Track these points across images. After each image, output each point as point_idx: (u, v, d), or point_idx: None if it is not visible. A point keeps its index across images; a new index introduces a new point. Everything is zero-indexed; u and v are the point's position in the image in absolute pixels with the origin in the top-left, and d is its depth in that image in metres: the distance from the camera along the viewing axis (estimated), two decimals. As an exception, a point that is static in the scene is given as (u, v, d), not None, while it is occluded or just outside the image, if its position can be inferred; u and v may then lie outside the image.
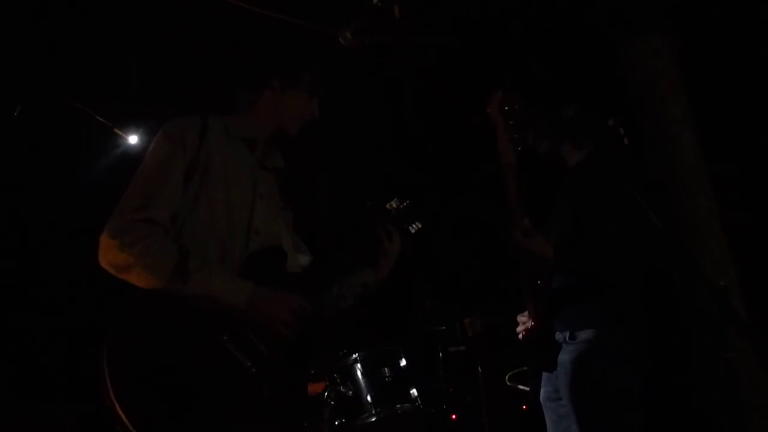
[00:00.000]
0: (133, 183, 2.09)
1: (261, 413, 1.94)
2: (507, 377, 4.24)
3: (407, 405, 3.33)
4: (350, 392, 3.27)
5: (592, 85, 2.74)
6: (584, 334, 2.36)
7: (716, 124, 4.23)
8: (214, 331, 1.95)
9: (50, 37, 4.17)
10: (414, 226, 2.43)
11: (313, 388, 3.29)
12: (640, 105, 4.18)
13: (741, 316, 2.09)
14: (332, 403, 3.23)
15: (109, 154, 4.61)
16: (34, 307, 4.58)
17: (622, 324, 2.37)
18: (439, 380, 4.60)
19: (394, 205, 2.42)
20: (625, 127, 2.44)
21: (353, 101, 4.41)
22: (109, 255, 1.99)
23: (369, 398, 3.27)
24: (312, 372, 3.33)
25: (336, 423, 3.21)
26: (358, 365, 3.36)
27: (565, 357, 2.39)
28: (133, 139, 4.61)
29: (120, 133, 4.59)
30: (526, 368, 4.01)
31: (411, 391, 3.37)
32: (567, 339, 2.40)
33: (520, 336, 2.63)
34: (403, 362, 3.45)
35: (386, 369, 3.38)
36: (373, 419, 3.22)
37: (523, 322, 2.62)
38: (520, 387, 4.17)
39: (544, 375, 2.55)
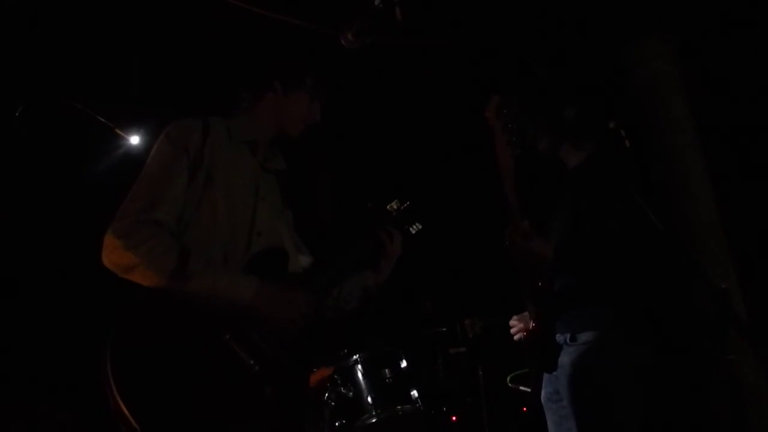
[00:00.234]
0: (137, 184, 2.10)
1: (263, 412, 1.95)
2: (508, 379, 4.24)
3: (408, 406, 3.33)
4: (351, 393, 3.27)
5: (592, 87, 2.74)
6: (585, 336, 2.36)
7: (716, 125, 4.23)
8: (217, 329, 1.96)
9: (51, 38, 4.17)
10: (414, 227, 2.43)
11: (317, 376, 3.29)
12: (641, 107, 4.19)
13: (741, 318, 2.09)
14: (333, 404, 3.23)
15: (111, 154, 4.62)
16: (35, 307, 4.58)
17: (623, 326, 2.37)
18: (440, 381, 4.60)
19: (395, 207, 2.43)
20: (625, 128, 2.45)
21: (354, 102, 4.41)
22: (113, 255, 1.99)
23: (369, 399, 3.27)
24: (314, 370, 3.33)
25: (336, 424, 3.21)
26: (359, 366, 3.36)
27: (565, 359, 2.39)
28: (134, 140, 4.62)
29: (121, 133, 4.60)
30: (527, 370, 4.01)
31: (411, 393, 3.37)
32: (567, 341, 2.40)
33: (516, 338, 2.63)
34: (404, 363, 3.45)
35: (387, 370, 3.38)
36: (374, 420, 3.22)
37: (516, 324, 2.63)
38: (522, 388, 4.18)
39: (545, 376, 2.55)
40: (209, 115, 2.27)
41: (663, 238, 2.22)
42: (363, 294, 2.39)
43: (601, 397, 2.30)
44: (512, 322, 2.66)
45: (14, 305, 4.48)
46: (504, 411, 4.60)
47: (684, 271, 3.22)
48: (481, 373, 4.56)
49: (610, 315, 2.37)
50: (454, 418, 4.48)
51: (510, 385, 4.22)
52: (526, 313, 2.56)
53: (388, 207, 2.43)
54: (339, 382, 3.29)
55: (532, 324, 2.50)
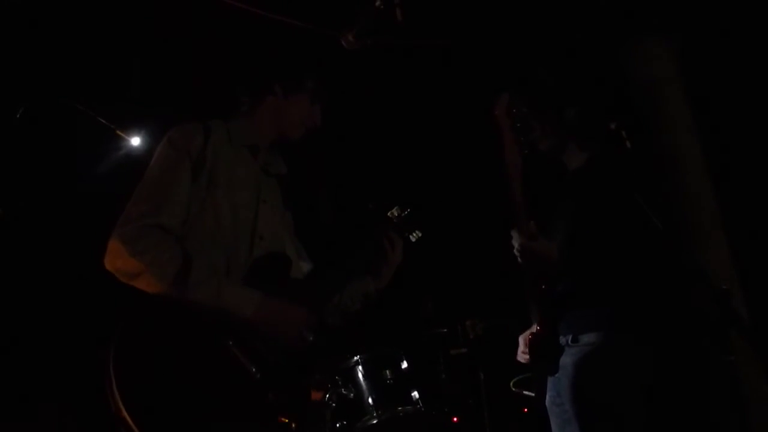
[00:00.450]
0: (140, 188, 2.10)
1: (264, 419, 1.94)
2: (512, 383, 4.24)
3: (409, 407, 3.33)
4: (352, 394, 3.27)
5: (594, 88, 2.74)
6: (587, 338, 2.36)
7: (718, 126, 4.23)
8: (220, 335, 1.96)
9: (52, 39, 4.17)
10: (414, 234, 2.42)
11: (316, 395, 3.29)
12: (642, 107, 4.18)
13: (742, 318, 2.09)
14: (333, 405, 3.22)
15: (112, 155, 4.62)
16: (36, 308, 4.58)
17: (625, 327, 2.36)
18: (441, 382, 4.59)
19: (396, 214, 2.42)
20: (626, 129, 2.45)
21: (355, 105, 4.41)
22: (118, 261, 1.98)
23: (370, 400, 3.27)
24: (317, 377, 3.33)
25: (337, 425, 3.20)
26: (360, 367, 3.36)
27: (567, 360, 2.39)
28: (135, 141, 4.61)
29: (122, 134, 4.59)
30: (530, 374, 4.01)
31: (412, 394, 3.37)
32: (569, 342, 2.40)
33: (522, 360, 2.63)
34: (405, 364, 3.45)
35: (388, 371, 3.38)
36: (375, 421, 3.22)
37: (526, 342, 2.62)
38: (525, 392, 4.18)
39: (550, 379, 2.55)
40: (210, 117, 2.26)
41: (664, 238, 2.22)
42: (364, 300, 2.38)
43: (603, 399, 2.30)
44: (521, 339, 2.66)
45: (16, 307, 4.48)
46: (505, 412, 4.59)
47: (685, 272, 3.22)
48: (482, 374, 4.56)
49: (611, 316, 2.37)
50: (455, 419, 4.47)
51: (513, 389, 4.22)
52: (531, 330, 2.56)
53: (388, 214, 2.42)
54: (340, 383, 3.29)
55: (535, 326, 2.50)
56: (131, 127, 4.59)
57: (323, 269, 2.38)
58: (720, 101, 4.25)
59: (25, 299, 4.55)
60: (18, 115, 4.08)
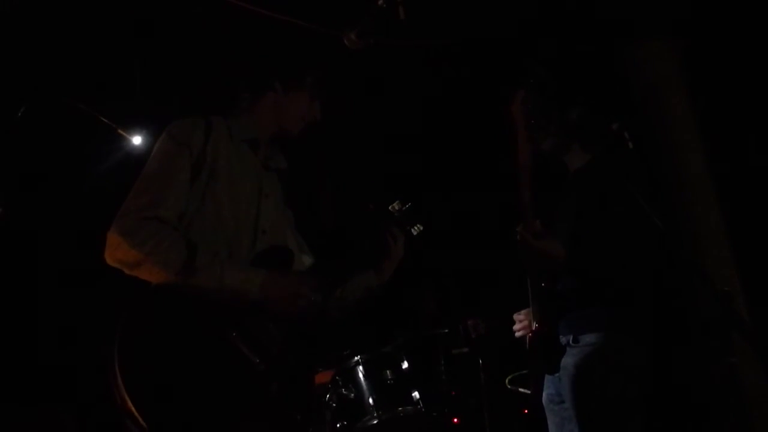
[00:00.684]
0: (139, 182, 2.10)
1: (268, 411, 1.95)
2: (507, 380, 4.23)
3: (409, 408, 3.32)
4: (352, 395, 3.27)
5: (596, 88, 2.73)
6: (588, 338, 2.36)
7: (720, 127, 4.22)
8: (223, 326, 1.95)
9: (54, 38, 4.17)
10: (416, 228, 2.42)
11: (320, 378, 3.29)
12: (644, 109, 4.18)
13: (744, 320, 2.08)
14: (334, 405, 3.22)
15: (113, 154, 4.62)
16: (37, 307, 4.59)
17: (626, 327, 2.36)
18: (442, 383, 4.59)
19: (397, 207, 2.42)
20: (629, 130, 2.44)
21: (356, 102, 4.41)
22: (118, 252, 1.99)
23: (371, 401, 3.27)
24: (319, 370, 3.33)
25: (338, 425, 3.20)
26: (360, 367, 3.36)
27: (568, 360, 2.38)
28: (136, 140, 4.63)
29: (124, 133, 4.60)
30: (526, 371, 4.00)
31: (413, 394, 3.37)
32: (570, 342, 2.39)
33: (517, 335, 2.63)
34: (405, 365, 3.45)
35: (388, 371, 3.38)
36: (375, 422, 3.22)
37: (521, 320, 2.62)
38: (521, 390, 4.16)
39: (547, 377, 2.55)
40: (210, 114, 2.27)
41: (666, 240, 2.22)
42: (365, 294, 2.38)
43: (602, 399, 2.30)
44: (516, 317, 2.65)
45: (17, 305, 4.48)
46: (506, 412, 4.58)
47: (687, 274, 3.22)
48: (483, 374, 4.55)
49: (612, 317, 2.37)
50: (455, 419, 4.47)
51: (509, 386, 4.21)
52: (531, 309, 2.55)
53: (390, 208, 2.42)
54: (340, 383, 3.28)
55: (535, 325, 2.49)
56: (132, 126, 4.60)
57: (324, 263, 2.38)
58: (723, 102, 4.24)
59: (26, 297, 4.55)
60: (19, 114, 4.08)
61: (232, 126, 2.27)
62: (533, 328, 2.49)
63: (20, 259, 4.54)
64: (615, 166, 2.45)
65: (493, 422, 4.41)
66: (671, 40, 4.24)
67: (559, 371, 2.41)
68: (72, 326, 4.52)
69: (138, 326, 1.86)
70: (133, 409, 1.75)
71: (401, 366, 3.44)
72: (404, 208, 2.42)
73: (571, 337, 2.39)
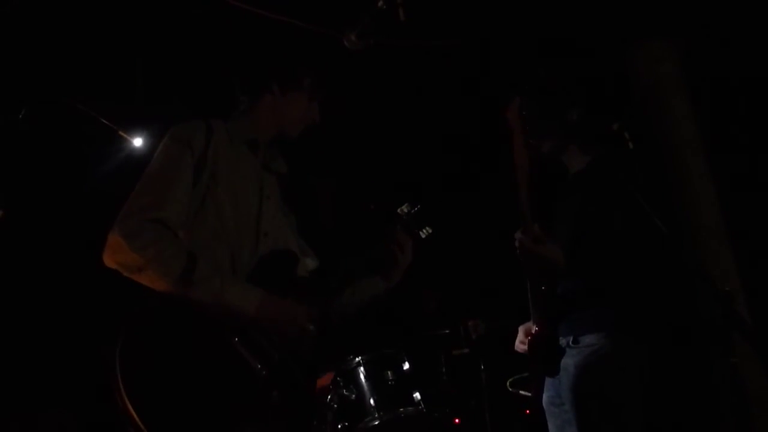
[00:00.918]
0: (141, 183, 2.09)
1: (269, 417, 1.95)
2: (508, 383, 4.23)
3: (410, 408, 3.32)
4: (353, 396, 3.27)
5: (596, 89, 2.74)
6: (587, 339, 2.36)
7: (720, 127, 4.22)
8: (225, 333, 1.96)
9: (55, 40, 4.18)
10: (424, 231, 2.39)
11: (322, 381, 3.29)
12: (644, 109, 4.18)
13: (745, 321, 2.08)
14: (335, 406, 3.22)
15: (114, 156, 4.62)
16: (39, 309, 4.59)
17: (626, 328, 2.36)
18: (443, 383, 4.59)
19: (405, 210, 2.40)
20: (629, 131, 2.44)
21: (357, 104, 4.41)
22: (119, 255, 1.98)
23: (372, 402, 3.27)
24: (321, 375, 3.32)
25: (339, 426, 3.20)
26: (362, 368, 3.35)
27: (568, 361, 2.39)
28: (137, 142, 4.63)
29: (125, 135, 4.61)
30: (526, 374, 4.00)
31: (414, 395, 3.36)
32: (570, 343, 2.39)
33: (519, 350, 2.63)
34: (406, 365, 3.44)
35: (389, 372, 3.37)
36: (376, 423, 3.21)
37: (523, 339, 2.62)
38: (522, 392, 4.16)
39: (547, 379, 2.55)
40: (211, 117, 2.27)
41: (666, 240, 2.22)
42: (372, 300, 2.37)
43: (604, 401, 2.30)
44: (521, 330, 2.66)
45: (18, 307, 4.48)
46: (507, 413, 4.58)
47: (687, 274, 3.22)
48: (484, 375, 4.55)
49: (612, 318, 2.37)
50: (456, 420, 4.47)
51: (510, 389, 4.21)
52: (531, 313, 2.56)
53: (398, 210, 2.40)
54: (341, 384, 3.28)
55: (535, 327, 2.50)
56: (133, 128, 4.61)
57: (329, 267, 2.37)
58: (723, 103, 4.24)
59: (28, 299, 4.55)
60: (20, 116, 4.09)
61: (231, 129, 2.27)
62: (533, 331, 2.49)
63: (21, 262, 4.54)
64: (615, 167, 2.45)
65: (494, 423, 4.42)
66: (671, 40, 4.24)
67: (559, 373, 2.41)
68: (73, 328, 4.52)
69: (140, 331, 1.86)
70: (134, 414, 1.75)
71: (402, 367, 3.44)
72: (413, 211, 2.40)
73: (570, 339, 2.39)
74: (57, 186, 4.66)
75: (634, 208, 2.27)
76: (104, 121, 4.45)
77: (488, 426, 4.41)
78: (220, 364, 1.90)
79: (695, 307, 3.68)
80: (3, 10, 3.87)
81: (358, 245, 2.38)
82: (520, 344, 2.65)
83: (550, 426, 2.55)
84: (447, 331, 4.70)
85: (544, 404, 2.57)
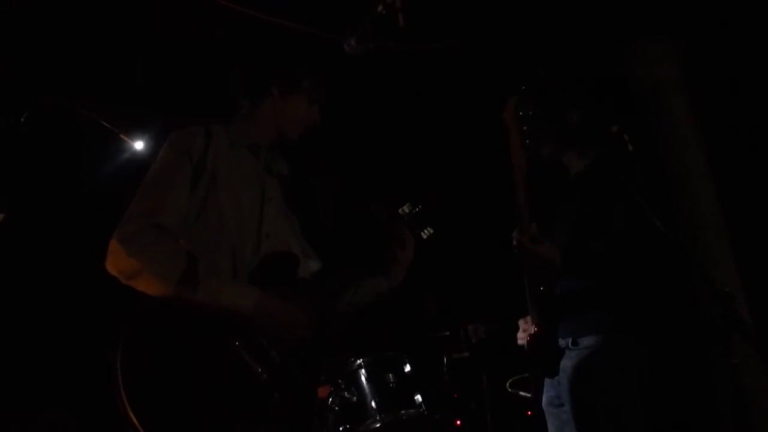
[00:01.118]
0: (140, 190, 2.11)
1: (270, 421, 1.95)
2: (508, 384, 4.23)
3: (411, 411, 3.32)
4: (354, 398, 3.26)
5: (596, 90, 2.74)
6: (587, 341, 2.36)
7: (719, 128, 4.23)
8: (226, 336, 1.96)
9: (56, 42, 4.18)
10: (426, 231, 2.39)
11: (322, 392, 3.29)
12: (645, 110, 4.19)
13: (745, 321, 2.09)
14: (336, 409, 3.22)
15: (115, 159, 4.63)
16: (39, 311, 4.59)
17: (625, 330, 2.36)
18: (444, 386, 4.59)
19: (407, 210, 2.40)
20: (629, 132, 2.45)
21: (357, 108, 4.42)
22: (116, 261, 1.98)
23: (373, 404, 3.26)
24: (322, 378, 3.32)
25: (340, 429, 3.20)
26: (363, 371, 3.35)
27: (567, 363, 2.39)
28: (138, 145, 4.64)
29: (126, 138, 4.62)
30: (527, 375, 4.00)
31: (415, 397, 3.36)
32: (569, 345, 2.40)
33: (520, 342, 2.63)
34: (408, 368, 3.44)
35: (390, 375, 3.37)
36: (378, 425, 3.21)
37: (525, 329, 2.62)
38: (521, 393, 4.17)
39: (547, 380, 2.55)
40: (211, 120, 2.28)
41: (666, 241, 2.22)
42: (375, 300, 2.38)
43: (603, 402, 2.30)
44: (522, 323, 2.65)
45: (18, 308, 4.49)
46: (507, 415, 4.59)
47: (687, 275, 3.22)
48: (484, 377, 4.56)
49: (612, 319, 2.37)
50: (457, 422, 4.48)
51: (510, 390, 4.21)
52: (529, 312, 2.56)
53: (399, 210, 2.40)
54: (343, 386, 3.28)
55: (534, 328, 2.50)
56: (134, 130, 4.61)
57: (332, 268, 2.37)
58: (723, 103, 4.24)
59: (29, 300, 4.56)
60: (22, 119, 4.09)
61: (231, 133, 2.28)
62: (532, 332, 2.49)
63: (22, 264, 4.55)
64: (615, 168, 2.46)
65: (494, 425, 4.42)
66: (671, 40, 4.25)
67: (559, 374, 2.42)
68: (73, 329, 4.53)
69: (141, 334, 1.86)
70: (133, 417, 1.75)
71: (403, 369, 3.43)
72: (414, 211, 2.39)
73: (570, 340, 2.40)
74: (58, 189, 4.67)
75: (634, 209, 2.27)
76: (105, 124, 4.46)
77: (489, 428, 4.42)
78: (221, 367, 1.91)
79: (695, 308, 3.68)
80: (2, 9, 3.88)
81: (359, 245, 2.39)
82: (521, 338, 2.66)
83: (550, 427, 2.55)
84: (447, 334, 4.71)
85: (543, 405, 2.57)
